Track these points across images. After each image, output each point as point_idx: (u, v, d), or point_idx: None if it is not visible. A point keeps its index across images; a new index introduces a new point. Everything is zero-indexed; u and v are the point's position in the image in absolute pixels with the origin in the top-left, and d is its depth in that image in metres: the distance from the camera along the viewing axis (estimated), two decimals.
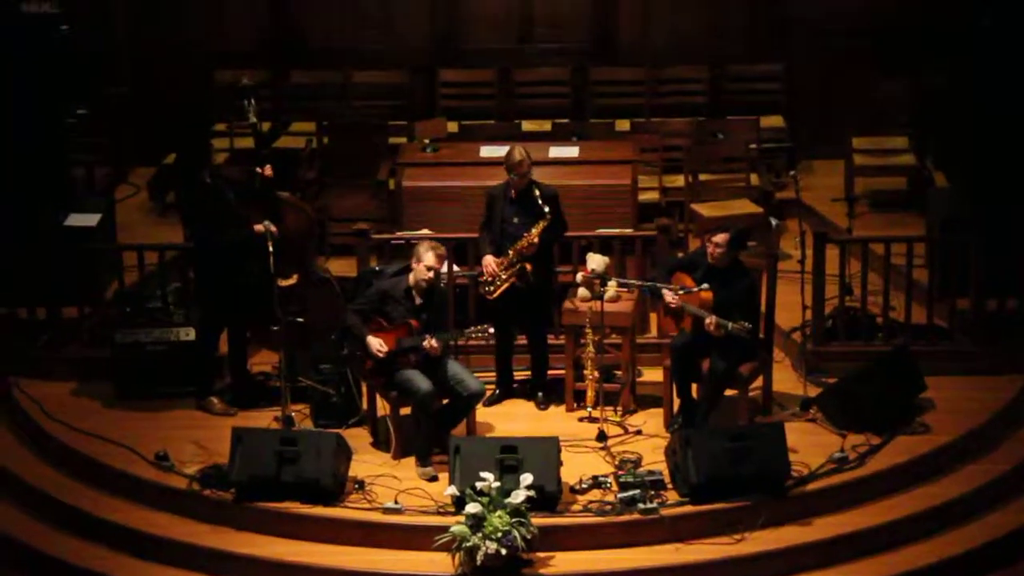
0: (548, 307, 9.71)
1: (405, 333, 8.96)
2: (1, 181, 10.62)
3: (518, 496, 8.22)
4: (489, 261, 9.46)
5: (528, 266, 9.40)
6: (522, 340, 9.77)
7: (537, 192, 9.39)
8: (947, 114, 11.83)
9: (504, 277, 9.43)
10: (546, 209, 9.35)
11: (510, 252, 9.42)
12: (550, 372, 9.77)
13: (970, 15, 11.05)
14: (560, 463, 8.59)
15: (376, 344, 8.92)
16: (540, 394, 9.73)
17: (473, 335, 9.04)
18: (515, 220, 9.46)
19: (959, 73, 11.64)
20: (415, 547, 8.40)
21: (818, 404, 9.46)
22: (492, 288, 9.45)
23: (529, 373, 9.79)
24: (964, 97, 11.16)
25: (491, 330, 9.07)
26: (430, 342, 8.83)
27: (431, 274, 8.91)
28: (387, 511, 8.54)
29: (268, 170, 9.59)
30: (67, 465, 9.27)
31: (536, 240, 9.38)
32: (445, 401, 9.03)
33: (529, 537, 8.20)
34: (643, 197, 11.19)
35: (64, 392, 9.92)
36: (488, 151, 10.84)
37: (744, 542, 8.42)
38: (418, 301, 9.01)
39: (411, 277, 9.02)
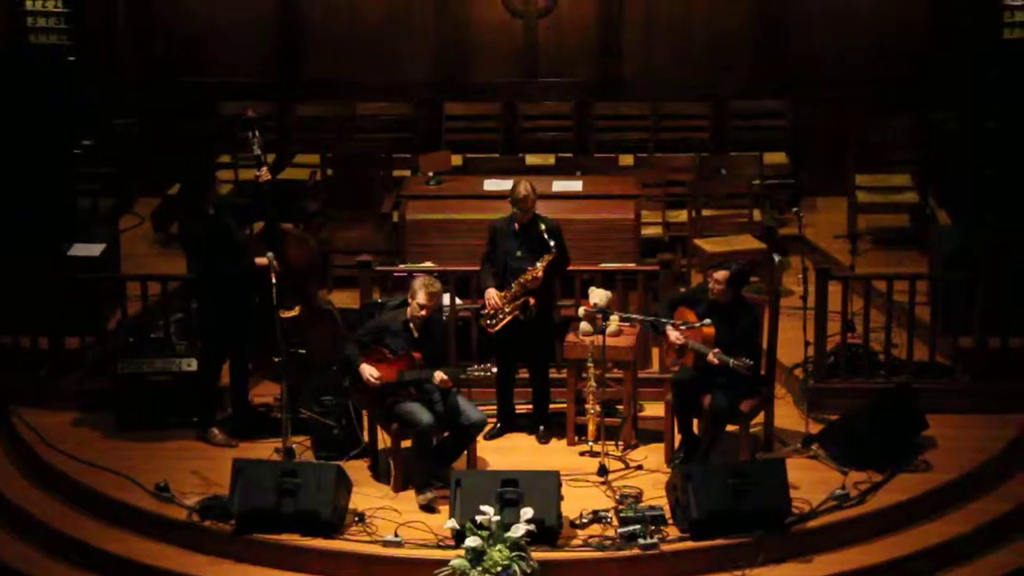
0: (550, 340, 9.72)
1: (407, 365, 8.96)
2: (7, 210, 10.66)
3: (518, 530, 8.20)
4: (492, 294, 9.47)
5: (531, 300, 9.41)
6: (523, 374, 9.77)
7: (543, 226, 9.41)
8: (951, 152, 11.86)
9: (507, 310, 9.44)
10: (552, 243, 9.37)
11: (514, 285, 9.43)
12: (551, 406, 9.76)
13: (975, 57, 11.12)
14: (561, 497, 8.57)
15: (368, 371, 8.92)
16: (541, 428, 9.72)
17: (475, 373, 9.03)
18: (519, 254, 9.48)
19: (965, 112, 11.70)
20: None
21: (820, 441, 9.45)
22: (495, 321, 9.45)
23: (530, 407, 9.79)
24: (968, 136, 11.20)
25: (494, 369, 9.08)
26: (441, 376, 8.82)
27: (424, 312, 8.91)
28: (387, 544, 8.51)
29: (265, 173, 9.63)
30: (67, 495, 9.26)
31: (540, 274, 9.39)
32: (446, 434, 9.03)
33: (529, 571, 8.18)
34: (646, 232, 11.20)
35: (65, 422, 9.92)
36: (492, 184, 10.87)
37: None
38: (416, 335, 9.01)
39: (408, 311, 9.03)
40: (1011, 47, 11.39)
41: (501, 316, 9.43)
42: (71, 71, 11.78)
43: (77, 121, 11.66)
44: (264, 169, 9.68)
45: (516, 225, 9.50)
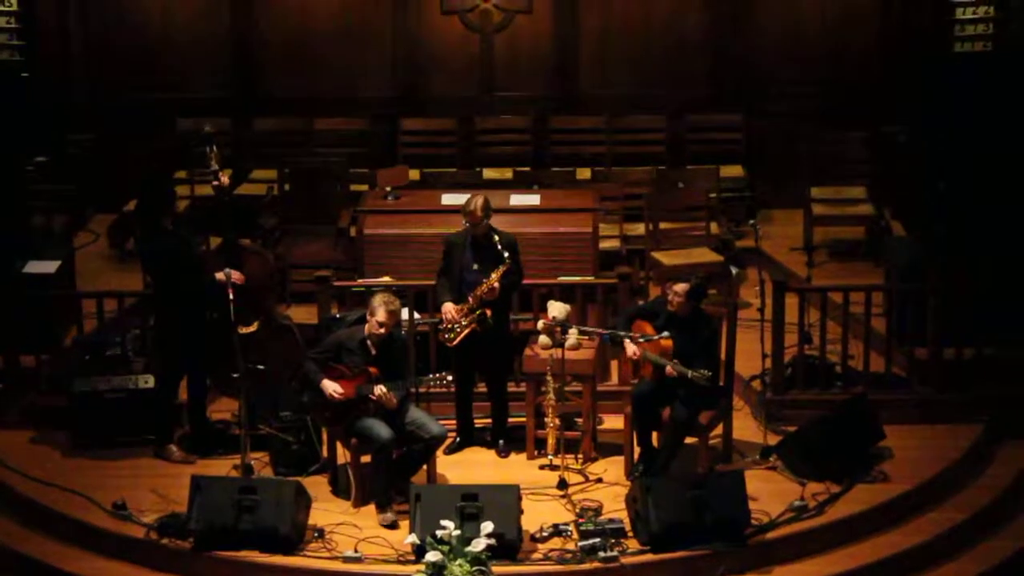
0: (508, 354, 9.73)
1: (365, 381, 8.94)
2: None
3: (478, 544, 8.19)
4: (449, 308, 9.47)
5: (488, 312, 9.42)
6: (482, 388, 9.77)
7: (496, 238, 9.43)
8: (905, 165, 11.97)
9: (464, 323, 9.43)
10: (505, 254, 9.38)
11: (470, 298, 9.43)
12: (511, 420, 9.77)
13: (927, 71, 11.24)
14: (521, 511, 8.57)
15: (331, 388, 8.90)
16: (501, 442, 9.72)
17: (432, 383, 9.03)
18: (475, 267, 9.49)
19: (917, 125, 11.82)
20: None
21: (778, 452, 9.49)
22: (452, 335, 9.45)
23: (489, 421, 9.79)
24: (920, 148, 11.31)
25: (449, 378, 9.07)
26: (382, 390, 8.80)
27: (383, 330, 8.90)
28: (347, 560, 8.48)
29: (225, 178, 9.61)
30: (22, 514, 9.17)
31: (496, 285, 9.40)
32: (406, 448, 9.00)
33: None
34: (604, 245, 11.23)
35: (21, 440, 9.83)
36: (449, 199, 10.87)
37: None
38: (373, 352, 8.99)
39: (367, 328, 9.01)
40: (962, 61, 11.51)
41: (458, 329, 9.43)
42: (24, 87, 11.71)
43: (30, 137, 11.58)
44: (223, 176, 9.63)
45: (471, 239, 9.51)
